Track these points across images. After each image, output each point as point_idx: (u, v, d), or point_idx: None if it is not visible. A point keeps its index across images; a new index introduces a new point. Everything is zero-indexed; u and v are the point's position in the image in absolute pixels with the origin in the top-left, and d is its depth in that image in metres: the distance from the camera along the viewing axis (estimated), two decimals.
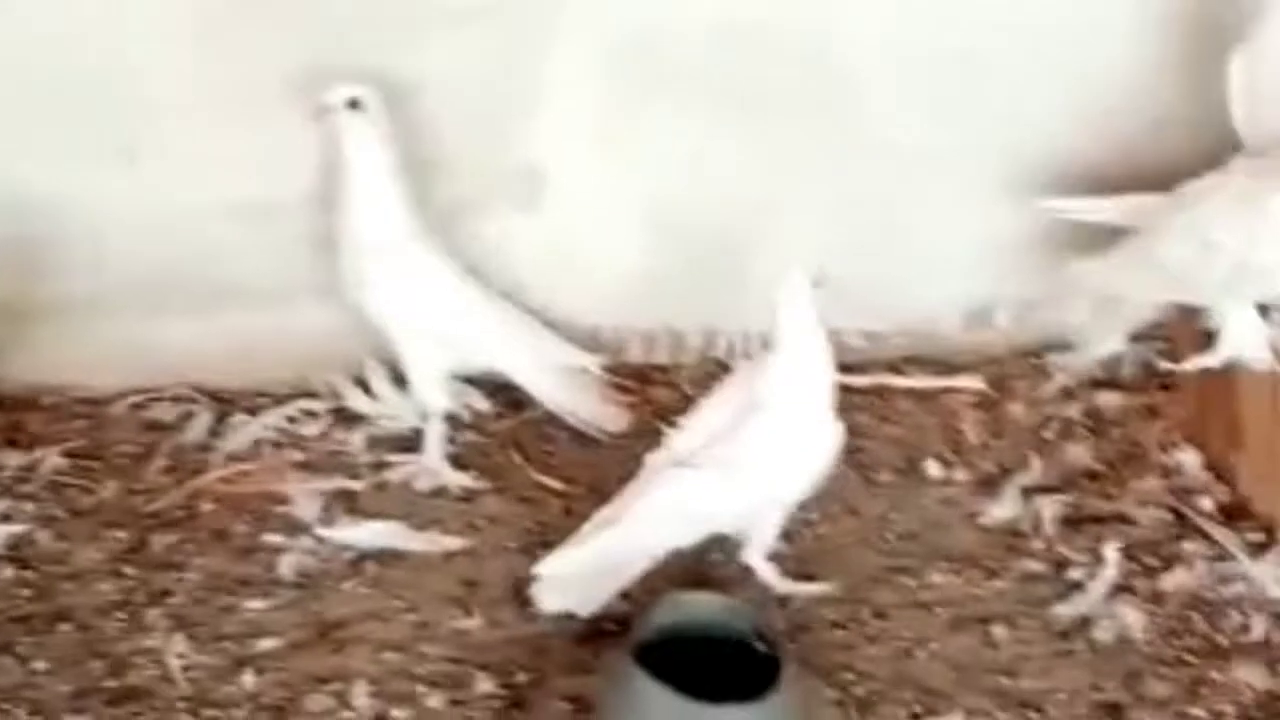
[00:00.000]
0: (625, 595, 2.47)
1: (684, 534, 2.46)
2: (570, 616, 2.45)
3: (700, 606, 2.27)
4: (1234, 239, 2.42)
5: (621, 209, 2.82)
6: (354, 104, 2.56)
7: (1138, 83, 2.75)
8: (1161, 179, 2.62)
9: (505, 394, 2.83)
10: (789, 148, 2.81)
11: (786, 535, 2.61)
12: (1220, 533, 2.63)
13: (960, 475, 2.79)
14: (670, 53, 2.69)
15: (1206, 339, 2.55)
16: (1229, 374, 2.59)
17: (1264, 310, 2.52)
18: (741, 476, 2.43)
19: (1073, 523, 2.68)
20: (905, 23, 2.72)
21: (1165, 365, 2.72)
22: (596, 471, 2.70)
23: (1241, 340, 2.50)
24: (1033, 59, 2.74)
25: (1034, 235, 2.84)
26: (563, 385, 2.76)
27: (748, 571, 2.55)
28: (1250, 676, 2.43)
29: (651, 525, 2.43)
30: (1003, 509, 2.71)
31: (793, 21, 2.70)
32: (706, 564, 2.55)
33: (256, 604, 2.48)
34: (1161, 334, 2.82)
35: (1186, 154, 2.62)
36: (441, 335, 2.66)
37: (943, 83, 2.77)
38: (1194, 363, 2.58)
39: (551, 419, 2.81)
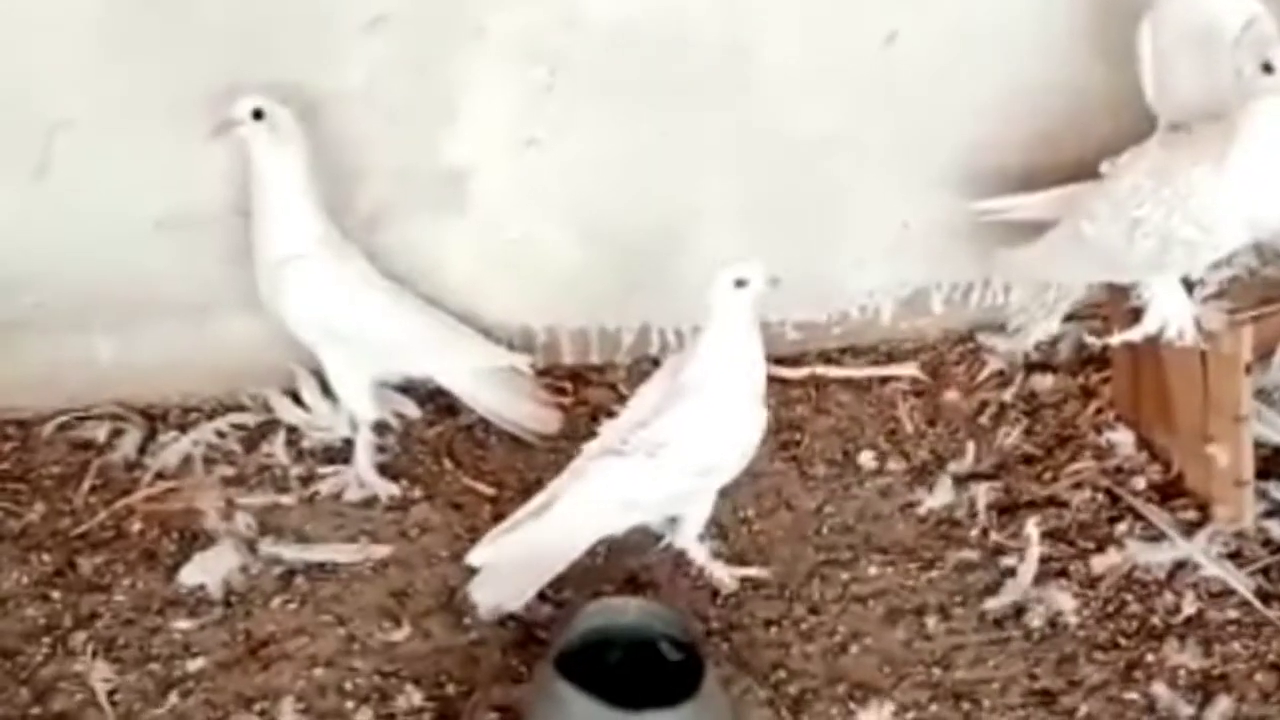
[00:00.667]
0: (558, 603, 2.47)
1: (613, 521, 2.47)
2: (502, 623, 2.44)
3: (623, 612, 2.27)
4: (1155, 214, 2.40)
5: (546, 210, 2.81)
6: (259, 115, 2.54)
7: (1056, 66, 2.74)
8: (1086, 162, 2.61)
9: (438, 400, 2.82)
10: (713, 143, 2.80)
11: (721, 531, 2.62)
12: (1153, 512, 2.62)
13: (896, 465, 2.78)
14: (586, 52, 2.68)
15: (1136, 316, 2.54)
16: (1159, 354, 2.58)
17: (1190, 286, 2.50)
18: (668, 461, 2.44)
19: (1007, 509, 2.68)
20: (821, 16, 2.70)
21: (1090, 340, 2.71)
22: (530, 474, 2.70)
23: (1166, 314, 2.49)
24: (952, 47, 2.72)
25: (965, 222, 2.82)
26: (493, 388, 2.75)
27: (680, 570, 2.55)
28: (1184, 657, 2.43)
29: (581, 513, 2.44)
30: (937, 498, 2.70)
31: (707, 16, 2.68)
32: (640, 566, 2.56)
33: (184, 624, 2.47)
34: (1094, 314, 2.80)
35: (1109, 135, 2.61)
36: (362, 343, 2.65)
37: (863, 74, 2.75)
38: (1119, 337, 2.58)
39: (484, 424, 2.80)
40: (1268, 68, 2.27)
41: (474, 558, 2.45)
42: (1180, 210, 2.37)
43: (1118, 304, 2.58)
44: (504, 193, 2.79)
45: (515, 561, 2.43)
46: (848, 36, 2.72)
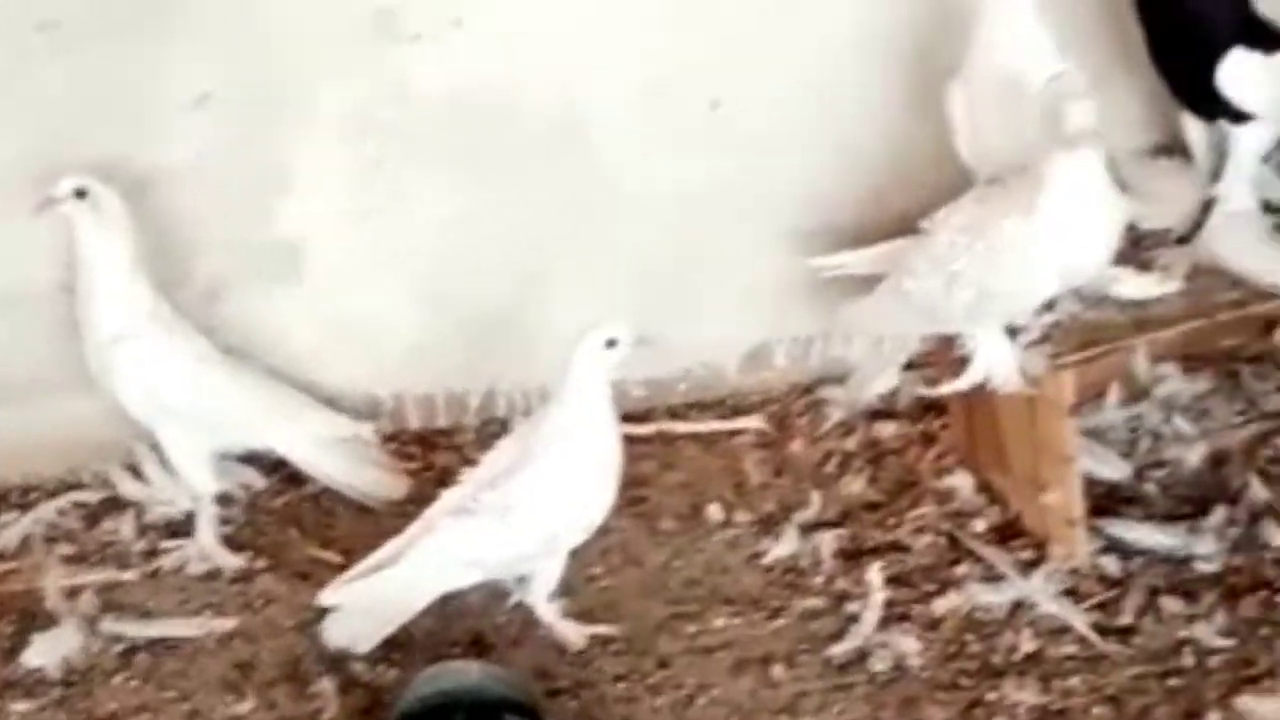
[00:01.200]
0: (403, 667, 2.46)
1: (460, 577, 2.48)
2: (346, 690, 2.44)
3: (462, 675, 2.27)
4: (971, 267, 2.47)
5: (385, 278, 2.83)
6: (81, 194, 2.54)
7: (878, 126, 2.81)
8: (911, 217, 2.67)
9: (283, 470, 2.81)
10: (552, 208, 2.84)
11: (569, 589, 2.63)
12: (992, 553, 2.67)
13: (742, 517, 2.81)
14: (417, 123, 2.71)
15: (963, 365, 2.59)
16: (991, 399, 2.63)
17: (1013, 333, 2.56)
18: (516, 524, 2.45)
19: (852, 555, 2.71)
20: (649, 83, 2.76)
21: (922, 390, 2.76)
22: (376, 541, 2.67)
23: (990, 363, 2.55)
24: (777, 111, 2.79)
25: (804, 277, 2.87)
26: (336, 457, 2.75)
27: (529, 627, 2.55)
28: (1023, 694, 2.46)
29: (429, 566, 2.47)
30: (783, 548, 2.73)
31: (538, 84, 2.73)
32: (491, 627, 2.57)
33: (22, 706, 2.44)
34: (929, 363, 2.86)
35: (932, 190, 2.67)
36: (199, 418, 2.64)
37: (694, 138, 2.81)
38: (947, 387, 2.63)
39: (331, 492, 2.79)
40: (1071, 121, 2.34)
41: (325, 598, 2.47)
42: (994, 262, 2.44)
43: (946, 354, 2.64)
44: (341, 262, 2.81)
45: (364, 606, 2.46)
46: (676, 102, 2.78)
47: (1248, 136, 2.58)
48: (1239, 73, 2.52)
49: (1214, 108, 2.58)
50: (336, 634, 2.45)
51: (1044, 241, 2.41)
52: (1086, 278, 2.50)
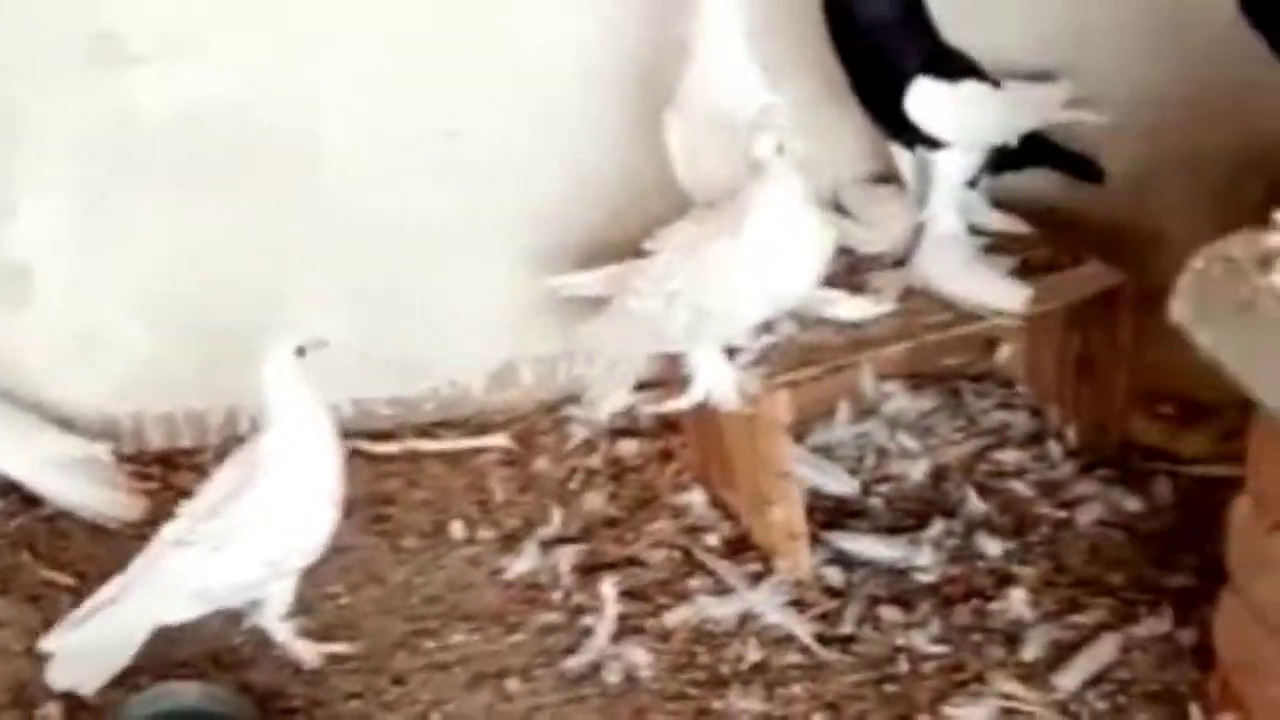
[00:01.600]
0: (133, 688, 2.46)
1: (183, 609, 2.47)
2: (73, 715, 2.42)
3: (180, 696, 2.27)
4: (686, 288, 2.55)
5: (116, 298, 2.82)
6: None
7: (608, 152, 2.87)
8: (641, 239, 2.74)
9: (18, 491, 2.78)
10: (292, 228, 2.85)
11: (307, 607, 2.64)
12: (722, 566, 2.75)
13: (485, 534, 2.86)
14: (144, 142, 2.70)
15: (686, 384, 2.67)
16: (716, 418, 2.72)
17: (732, 353, 2.65)
18: (236, 552, 2.45)
19: (589, 570, 2.77)
20: (383, 107, 2.78)
21: (648, 409, 2.84)
22: (112, 562, 2.66)
23: (709, 382, 2.63)
24: (511, 137, 2.84)
25: (546, 298, 2.93)
26: (70, 479, 2.73)
27: (264, 647, 2.56)
28: (748, 702, 2.55)
29: (153, 601, 2.45)
30: (523, 563, 2.79)
31: (270, 106, 2.74)
32: (224, 645, 2.57)
33: None
34: (659, 383, 2.93)
35: (662, 213, 2.74)
36: None
37: (432, 161, 2.84)
38: (669, 406, 2.71)
39: (66, 514, 2.77)
40: (753, 151, 2.44)
41: (46, 643, 2.43)
42: (705, 283, 2.53)
43: (671, 373, 2.72)
44: (73, 283, 2.78)
45: (89, 647, 2.42)
46: (411, 126, 2.81)
47: (946, 163, 2.70)
48: (926, 101, 2.63)
49: (910, 136, 2.69)
50: (61, 677, 2.41)
51: (748, 264, 2.50)
52: (796, 300, 2.60)
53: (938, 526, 2.78)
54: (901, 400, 2.99)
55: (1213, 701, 2.43)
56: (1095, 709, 2.49)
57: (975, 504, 2.82)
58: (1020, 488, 2.86)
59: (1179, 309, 2.21)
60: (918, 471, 2.90)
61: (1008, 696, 2.52)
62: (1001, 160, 2.77)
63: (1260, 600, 2.28)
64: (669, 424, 3.00)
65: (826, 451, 2.91)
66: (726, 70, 2.61)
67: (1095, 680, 2.53)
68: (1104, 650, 2.56)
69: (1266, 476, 2.26)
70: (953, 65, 2.66)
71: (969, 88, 2.66)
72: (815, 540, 2.74)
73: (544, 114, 2.82)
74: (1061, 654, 2.56)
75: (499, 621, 2.69)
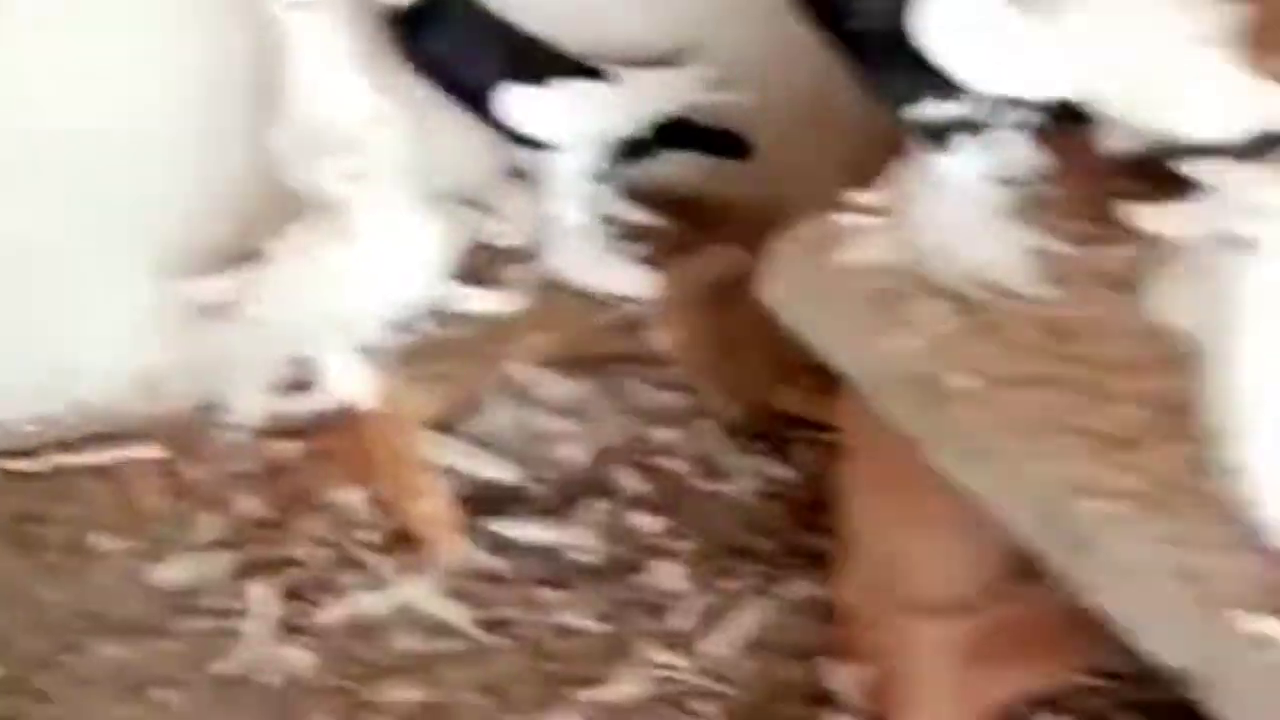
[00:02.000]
0: None
1: None
2: None
3: None
4: (304, 293, 2.55)
5: None
6: None
7: (232, 158, 2.80)
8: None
9: None
10: None
11: None
12: (378, 561, 2.74)
13: (136, 544, 2.79)
14: None
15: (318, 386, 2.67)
16: (358, 416, 2.71)
17: (366, 352, 2.63)
18: None
19: (243, 574, 2.73)
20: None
21: (291, 412, 2.81)
22: None
23: (341, 383, 2.63)
24: (140, 143, 2.76)
25: (187, 303, 2.86)
26: None
27: None
28: (405, 692, 2.55)
29: None
30: (175, 571, 2.73)
31: None
32: None
33: None
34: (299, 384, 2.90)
35: (292, 216, 2.70)
36: None
37: (51, 171, 2.74)
38: (305, 408, 2.70)
39: None
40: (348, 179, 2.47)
41: None
42: (320, 288, 2.54)
43: (310, 375, 2.70)
44: None
45: None
46: (26, 134, 2.71)
47: (558, 162, 2.69)
48: (513, 109, 2.61)
49: (517, 141, 2.68)
50: None
51: (360, 269, 2.52)
52: (422, 299, 2.61)
53: (596, 507, 2.82)
54: (557, 387, 3.02)
55: (838, 653, 2.53)
56: (744, 669, 2.56)
57: (632, 483, 2.87)
58: (676, 465, 2.92)
59: (767, 290, 2.30)
60: (576, 455, 2.93)
61: (662, 666, 2.57)
62: (636, 148, 2.78)
63: (866, 556, 2.41)
64: (325, 424, 2.98)
65: (483, 441, 2.92)
66: (327, 81, 2.56)
67: (745, 644, 2.60)
68: (751, 615, 2.64)
69: (855, 438, 2.38)
70: (538, 68, 2.63)
71: (563, 87, 2.64)
72: (474, 529, 2.76)
73: (161, 116, 2.76)
74: (711, 621, 2.63)
75: (150, 632, 2.63)
